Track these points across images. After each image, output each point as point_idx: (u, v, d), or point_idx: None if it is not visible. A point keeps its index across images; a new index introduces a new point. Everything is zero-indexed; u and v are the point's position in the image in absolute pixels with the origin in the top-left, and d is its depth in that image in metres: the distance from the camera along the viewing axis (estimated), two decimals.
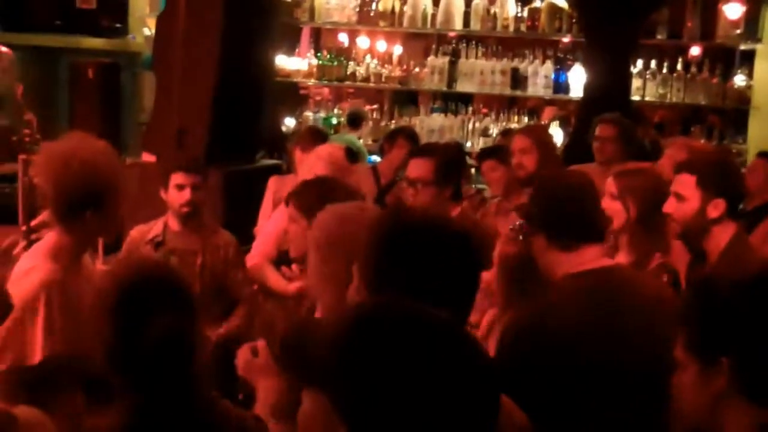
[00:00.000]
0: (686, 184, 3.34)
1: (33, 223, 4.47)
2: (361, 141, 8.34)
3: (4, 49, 5.04)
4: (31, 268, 3.15)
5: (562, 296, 2.66)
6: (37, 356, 3.01)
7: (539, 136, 5.05)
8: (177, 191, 4.54)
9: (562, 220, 2.70)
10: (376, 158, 7.57)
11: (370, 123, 9.03)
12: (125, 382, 2.15)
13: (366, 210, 2.58)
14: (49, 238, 3.24)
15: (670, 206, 3.38)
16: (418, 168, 4.15)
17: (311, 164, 4.47)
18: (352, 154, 4.64)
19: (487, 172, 5.65)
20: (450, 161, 4.21)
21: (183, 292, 2.21)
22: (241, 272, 4.64)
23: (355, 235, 2.24)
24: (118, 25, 9.72)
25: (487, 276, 3.13)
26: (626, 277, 2.82)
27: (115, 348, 2.14)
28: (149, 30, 9.47)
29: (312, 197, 3.31)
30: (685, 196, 3.34)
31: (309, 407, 2.11)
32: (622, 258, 3.46)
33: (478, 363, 1.45)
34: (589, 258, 2.67)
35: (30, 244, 3.61)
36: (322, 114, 9.38)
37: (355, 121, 8.43)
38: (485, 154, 5.93)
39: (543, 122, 8.50)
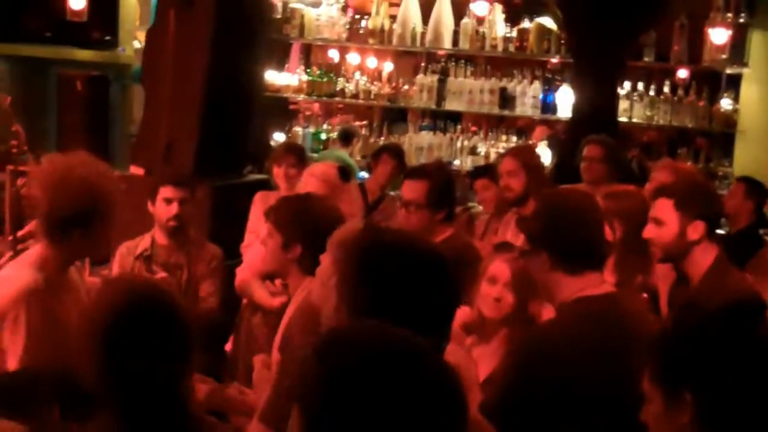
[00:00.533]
0: (664, 209, 3.36)
1: (20, 233, 4.47)
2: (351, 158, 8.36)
3: None
4: (14, 276, 3.16)
5: (566, 323, 2.65)
6: (17, 363, 3.00)
7: (526, 158, 5.06)
8: (165, 205, 4.54)
9: (571, 244, 2.67)
10: (365, 175, 7.60)
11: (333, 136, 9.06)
12: (111, 400, 2.12)
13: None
14: (35, 249, 3.24)
15: (649, 232, 3.40)
16: (412, 190, 4.17)
17: (305, 181, 4.50)
18: (345, 173, 4.65)
19: (480, 190, 5.69)
20: (443, 184, 4.24)
21: (175, 316, 2.18)
22: (214, 285, 4.62)
23: None
24: (108, 38, 9.74)
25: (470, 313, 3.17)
26: (625, 306, 2.80)
27: (103, 369, 2.11)
28: (139, 43, 9.48)
29: (288, 214, 3.32)
30: (663, 221, 3.35)
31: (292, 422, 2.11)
32: (606, 277, 3.48)
33: (445, 389, 1.44)
34: (591, 283, 2.66)
35: (16, 254, 3.61)
36: (312, 129, 9.40)
37: (346, 137, 8.46)
38: (478, 172, 5.98)
39: (533, 142, 8.53)
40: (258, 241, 4.86)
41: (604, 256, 2.79)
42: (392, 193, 6.92)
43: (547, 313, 3.08)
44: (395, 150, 6.75)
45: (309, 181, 4.47)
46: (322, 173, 4.56)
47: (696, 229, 3.32)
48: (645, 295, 3.72)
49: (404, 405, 1.38)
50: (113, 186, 3.18)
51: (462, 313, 3.15)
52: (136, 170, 6.21)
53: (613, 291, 2.77)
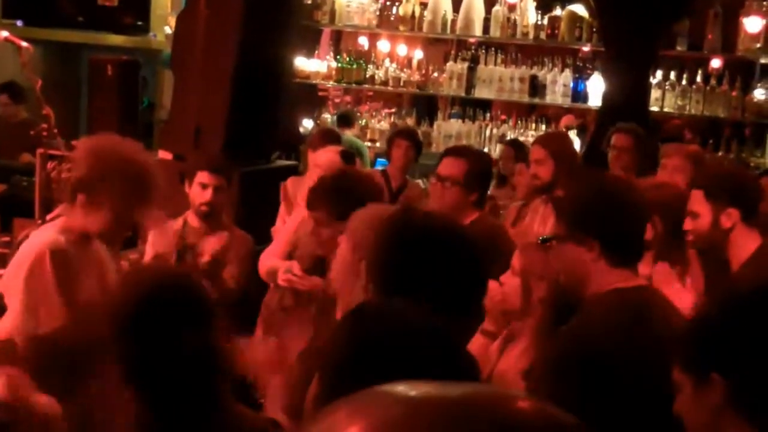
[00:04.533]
0: (697, 200, 3.36)
1: (49, 216, 4.50)
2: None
3: (24, 43, 5.07)
4: (37, 238, 3.29)
5: (601, 315, 2.56)
6: (37, 322, 3.07)
7: (555, 146, 5.03)
8: (200, 189, 4.58)
9: (625, 238, 2.57)
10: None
11: (387, 125, 9.06)
12: (142, 391, 2.13)
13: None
14: (59, 219, 3.36)
15: (688, 224, 3.40)
16: (449, 166, 4.20)
17: (311, 171, 4.52)
18: (349, 157, 4.64)
19: (517, 174, 5.69)
20: (481, 168, 4.26)
21: (203, 303, 2.18)
22: (239, 269, 4.63)
23: None
24: (139, 23, 9.78)
25: (505, 289, 3.10)
26: (661, 297, 2.74)
27: (133, 360, 2.12)
28: (170, 28, 9.51)
29: (320, 194, 3.33)
30: (697, 212, 3.35)
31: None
32: (644, 270, 3.43)
33: (462, 370, 1.46)
34: (626, 276, 2.58)
35: None
36: None
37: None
38: (519, 157, 6.00)
39: (560, 129, 8.49)
40: (282, 227, 4.90)
41: (643, 251, 2.73)
42: (419, 182, 6.93)
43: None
44: (407, 132, 6.75)
45: (315, 172, 4.48)
46: (327, 162, 4.56)
47: (729, 217, 3.31)
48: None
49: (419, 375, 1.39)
50: (157, 170, 3.27)
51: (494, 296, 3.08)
52: (164, 154, 6.24)
53: (645, 284, 2.71)
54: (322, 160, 4.63)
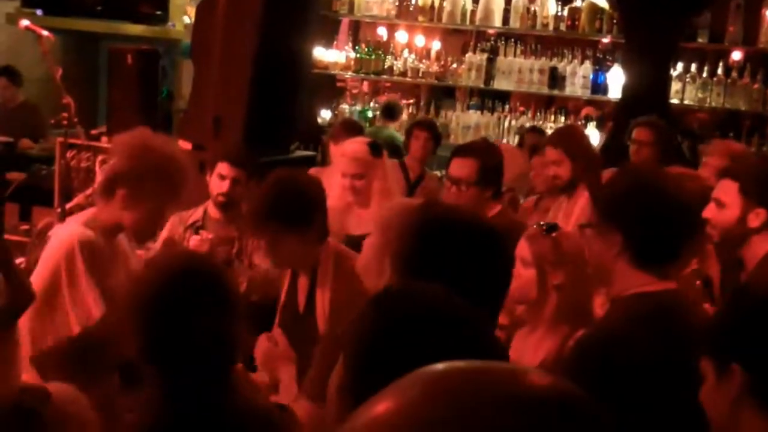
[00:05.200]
0: (728, 191, 3.25)
1: (68, 205, 4.51)
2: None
3: (45, 32, 5.08)
4: (65, 232, 3.31)
5: (626, 319, 2.45)
6: (92, 309, 3.10)
7: (567, 144, 4.94)
8: (218, 180, 4.58)
9: (653, 240, 2.43)
10: None
11: (405, 116, 9.02)
12: (156, 371, 2.13)
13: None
14: (86, 211, 3.40)
15: (710, 212, 3.27)
16: (461, 167, 4.15)
17: (336, 161, 4.47)
18: (376, 148, 4.60)
19: (536, 167, 5.64)
20: (492, 162, 4.22)
21: (225, 288, 2.18)
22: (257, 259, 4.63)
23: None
24: (158, 12, 9.78)
25: (519, 282, 3.08)
26: (684, 302, 2.62)
27: (151, 342, 2.12)
28: (189, 18, 9.51)
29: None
30: (726, 203, 3.25)
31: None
32: None
33: (491, 353, 1.45)
34: (653, 279, 2.45)
35: None
36: (359, 107, 9.37)
37: (391, 112, 8.39)
38: (536, 148, 5.95)
39: (581, 122, 8.45)
40: None
41: (680, 259, 2.58)
42: (437, 173, 6.89)
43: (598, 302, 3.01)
44: (425, 123, 6.71)
45: (341, 161, 4.45)
46: (353, 152, 4.51)
47: (758, 216, 3.20)
48: (699, 282, 3.65)
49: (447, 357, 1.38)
50: (188, 165, 3.35)
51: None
52: (184, 144, 6.25)
53: (673, 287, 2.54)
54: (349, 149, 4.58)
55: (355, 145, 4.63)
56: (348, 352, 1.47)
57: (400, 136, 7.86)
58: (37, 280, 3.16)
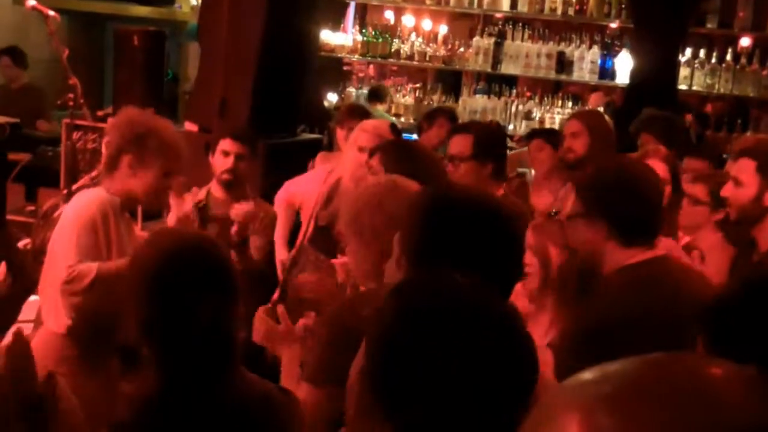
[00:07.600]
0: (746, 170, 3.29)
1: (75, 186, 4.50)
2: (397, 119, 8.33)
3: (51, 12, 5.06)
4: (84, 197, 3.43)
5: (621, 291, 2.64)
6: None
7: (592, 121, 4.96)
8: (222, 157, 4.58)
9: (635, 220, 2.65)
10: (413, 137, 7.54)
11: (411, 100, 9.00)
12: (155, 352, 2.12)
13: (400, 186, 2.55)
14: (95, 189, 3.49)
15: (727, 190, 3.35)
16: (457, 144, 4.22)
17: (355, 136, 4.39)
18: (396, 129, 4.61)
19: (534, 151, 5.63)
20: (488, 137, 4.26)
21: (225, 269, 2.17)
22: (263, 240, 4.62)
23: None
24: None
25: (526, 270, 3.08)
26: (679, 266, 2.80)
27: (150, 319, 2.10)
28: (195, 0, 9.48)
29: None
30: (743, 182, 3.28)
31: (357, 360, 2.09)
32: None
33: (516, 337, 1.45)
34: (640, 251, 2.65)
35: None
36: (365, 90, 9.34)
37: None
38: (535, 133, 5.95)
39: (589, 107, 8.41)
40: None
41: (659, 229, 2.75)
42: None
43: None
44: (451, 113, 6.69)
45: (360, 136, 4.39)
46: (375, 128, 4.46)
47: None
48: (695, 252, 3.68)
49: (474, 349, 1.39)
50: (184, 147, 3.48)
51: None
52: (190, 126, 6.24)
53: (662, 254, 2.74)
54: (370, 124, 4.50)
55: (377, 122, 4.64)
56: (370, 343, 1.49)
57: (391, 117, 7.88)
58: (51, 245, 3.23)
